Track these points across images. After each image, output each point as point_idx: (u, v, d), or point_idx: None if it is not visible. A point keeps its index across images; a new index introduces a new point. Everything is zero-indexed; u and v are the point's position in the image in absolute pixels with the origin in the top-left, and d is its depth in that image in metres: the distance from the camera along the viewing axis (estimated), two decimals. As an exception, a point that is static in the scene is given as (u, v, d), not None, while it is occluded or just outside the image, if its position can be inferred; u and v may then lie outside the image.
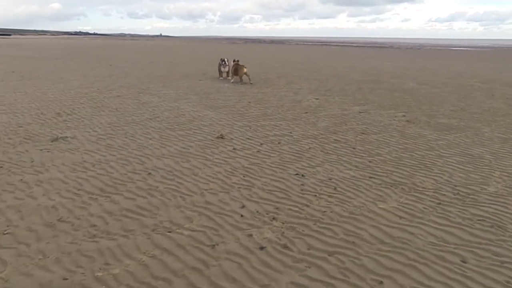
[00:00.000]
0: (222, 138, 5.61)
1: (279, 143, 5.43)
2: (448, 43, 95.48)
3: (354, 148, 5.23)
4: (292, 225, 3.07)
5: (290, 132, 6.02)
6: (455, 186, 3.96)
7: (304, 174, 4.20)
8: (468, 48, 58.68)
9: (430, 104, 8.94)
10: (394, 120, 7.14)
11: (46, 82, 11.27)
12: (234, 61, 12.35)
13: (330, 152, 5.05)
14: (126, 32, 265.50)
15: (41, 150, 4.89)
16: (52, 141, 5.29)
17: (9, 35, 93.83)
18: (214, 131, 6.03)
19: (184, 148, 5.14)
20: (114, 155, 4.78)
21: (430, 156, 4.97)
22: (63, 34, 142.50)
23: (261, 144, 5.36)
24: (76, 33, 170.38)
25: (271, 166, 4.46)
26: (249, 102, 8.69)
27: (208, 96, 9.43)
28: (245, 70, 11.81)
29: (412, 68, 19.13)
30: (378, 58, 28.37)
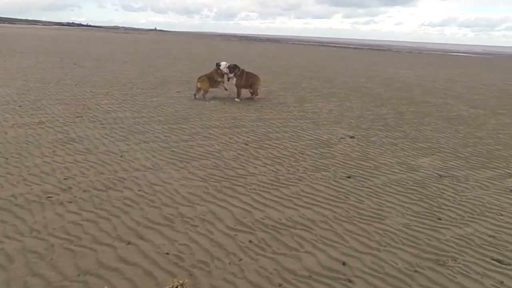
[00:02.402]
0: (181, 293, 2.23)
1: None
2: (444, 48, 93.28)
3: None
4: None
5: (343, 263, 2.65)
6: None
7: None
8: (468, 54, 55.95)
9: (533, 154, 5.68)
10: (519, 203, 3.84)
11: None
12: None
13: None
14: (120, 25, 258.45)
15: None
16: None
17: None
18: (171, 252, 2.64)
19: None
20: None
21: None
22: (54, 25, 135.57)
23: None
24: (68, 24, 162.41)
25: None
26: (246, 144, 5.30)
27: (181, 128, 6.00)
28: (198, 85, 8.28)
29: (439, 79, 15.98)
30: (389, 63, 25.16)
